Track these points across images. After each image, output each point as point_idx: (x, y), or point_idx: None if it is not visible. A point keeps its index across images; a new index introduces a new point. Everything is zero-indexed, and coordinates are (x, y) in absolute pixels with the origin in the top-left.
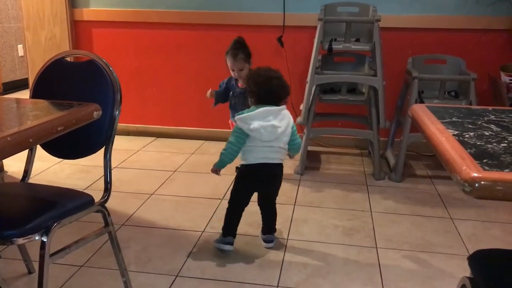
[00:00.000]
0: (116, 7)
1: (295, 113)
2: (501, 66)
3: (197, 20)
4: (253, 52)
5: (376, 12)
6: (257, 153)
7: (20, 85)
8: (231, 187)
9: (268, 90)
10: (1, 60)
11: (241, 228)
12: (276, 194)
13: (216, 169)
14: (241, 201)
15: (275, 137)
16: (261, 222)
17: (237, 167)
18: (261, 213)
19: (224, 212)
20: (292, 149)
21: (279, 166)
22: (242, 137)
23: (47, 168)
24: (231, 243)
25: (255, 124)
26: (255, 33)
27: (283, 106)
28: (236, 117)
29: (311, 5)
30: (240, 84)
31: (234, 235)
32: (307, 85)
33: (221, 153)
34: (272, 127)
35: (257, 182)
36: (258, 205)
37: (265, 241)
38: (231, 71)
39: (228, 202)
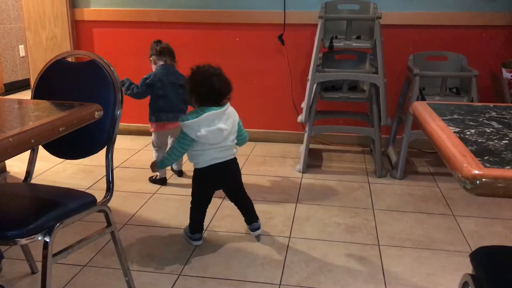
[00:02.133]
0: (116, 6)
1: (296, 112)
2: (502, 63)
3: (197, 19)
4: (254, 51)
5: (376, 9)
6: (206, 155)
7: (21, 85)
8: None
9: (209, 89)
10: (3, 61)
11: (242, 226)
12: (242, 186)
13: (157, 169)
14: (202, 201)
15: (222, 139)
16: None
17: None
18: (237, 207)
19: (226, 211)
20: (240, 142)
21: (232, 161)
22: (187, 142)
23: (49, 168)
24: (200, 239)
25: (202, 131)
26: (255, 31)
27: (227, 105)
28: (182, 124)
29: (312, 3)
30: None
31: (201, 231)
32: (308, 83)
33: (165, 156)
34: (218, 130)
35: (213, 182)
36: (230, 200)
37: (252, 230)
38: None
39: (191, 202)
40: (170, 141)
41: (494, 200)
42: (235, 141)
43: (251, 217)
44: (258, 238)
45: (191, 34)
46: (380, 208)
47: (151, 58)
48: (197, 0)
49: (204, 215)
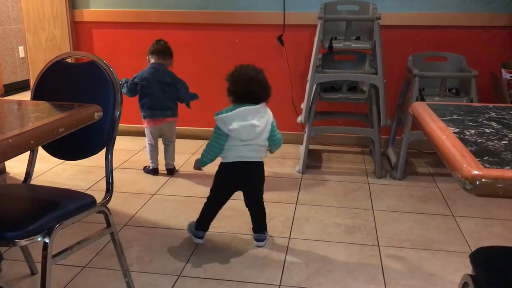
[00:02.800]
0: (116, 7)
1: (296, 112)
2: (502, 63)
3: (197, 20)
4: (254, 51)
5: (376, 10)
6: (235, 151)
7: (21, 86)
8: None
9: (247, 92)
10: (2, 62)
11: (243, 227)
12: (261, 192)
13: (198, 167)
14: (220, 199)
15: (254, 136)
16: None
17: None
18: (249, 212)
19: (226, 212)
20: (272, 145)
21: (258, 164)
22: (222, 137)
23: (49, 169)
24: (202, 237)
25: (234, 125)
26: (255, 32)
27: (263, 104)
28: (216, 117)
29: (311, 4)
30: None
31: (205, 229)
32: (308, 84)
33: (202, 153)
34: (251, 126)
35: (234, 180)
36: (245, 204)
37: (256, 240)
38: None
39: (207, 198)
40: (161, 140)
41: (494, 200)
42: (267, 142)
43: (260, 227)
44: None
45: (190, 35)
46: (380, 209)
47: (147, 57)
48: (196, 1)
49: (215, 215)
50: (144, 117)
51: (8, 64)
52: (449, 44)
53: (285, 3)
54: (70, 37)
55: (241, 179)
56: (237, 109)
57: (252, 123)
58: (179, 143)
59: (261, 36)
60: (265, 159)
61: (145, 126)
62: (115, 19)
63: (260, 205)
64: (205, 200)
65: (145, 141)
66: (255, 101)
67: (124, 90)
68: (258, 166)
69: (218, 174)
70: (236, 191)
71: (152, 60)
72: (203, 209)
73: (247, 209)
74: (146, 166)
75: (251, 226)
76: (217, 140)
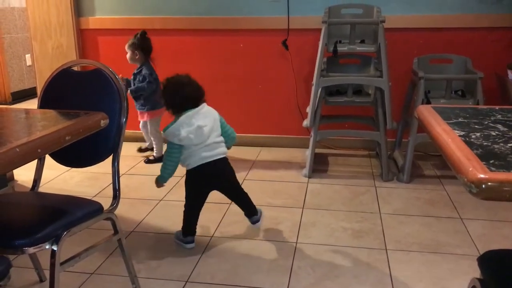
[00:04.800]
0: (121, 14)
1: (301, 116)
2: (508, 64)
3: (201, 26)
4: (259, 56)
5: (380, 13)
6: (195, 156)
7: (28, 94)
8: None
9: (182, 98)
10: (10, 70)
11: (249, 232)
12: (237, 183)
13: (160, 184)
14: (196, 203)
15: (205, 137)
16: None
17: None
18: (235, 202)
19: (232, 217)
20: (227, 139)
21: (222, 160)
22: (175, 150)
23: (56, 176)
24: (192, 241)
25: (183, 133)
26: (259, 37)
27: (203, 105)
28: (164, 134)
29: (315, 8)
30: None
31: (193, 233)
32: (313, 88)
33: (161, 169)
34: (198, 128)
35: (206, 182)
36: (228, 197)
37: (252, 222)
38: None
39: (185, 206)
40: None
41: (502, 203)
42: (222, 138)
43: (250, 210)
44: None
45: (195, 41)
46: (387, 212)
47: (137, 51)
48: (200, 7)
49: (197, 218)
50: (156, 107)
51: (16, 72)
52: (455, 46)
53: (289, 7)
54: (76, 45)
55: (211, 179)
56: (180, 117)
57: (198, 124)
58: None
59: (265, 40)
60: (271, 163)
61: (155, 116)
62: (120, 26)
63: (242, 193)
64: (212, 205)
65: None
66: (194, 105)
67: (144, 88)
68: (223, 162)
69: (188, 181)
70: (210, 191)
71: (148, 58)
72: (185, 216)
73: None
74: (147, 158)
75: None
76: (172, 154)
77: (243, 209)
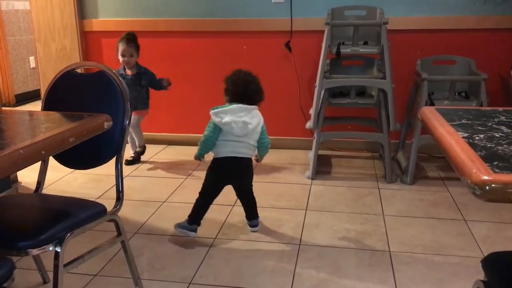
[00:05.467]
0: (124, 17)
1: (304, 118)
2: (511, 66)
3: (204, 28)
4: (262, 58)
5: (383, 14)
6: (227, 147)
7: (32, 96)
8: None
9: (244, 92)
10: (14, 72)
11: (252, 235)
12: (251, 185)
13: (198, 158)
14: (212, 193)
15: (246, 133)
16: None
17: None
18: (241, 203)
19: (235, 218)
20: (261, 147)
21: (248, 160)
22: (215, 130)
23: (60, 178)
24: (195, 230)
25: (227, 118)
26: (262, 39)
27: (255, 106)
28: (211, 112)
29: (318, 10)
30: (128, 72)
31: (199, 223)
32: (316, 89)
33: (198, 146)
34: (243, 123)
35: (227, 175)
36: (237, 196)
37: (251, 226)
38: (121, 58)
39: (199, 193)
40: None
41: (506, 204)
42: (256, 144)
43: (252, 214)
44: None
45: (198, 42)
46: (391, 214)
47: (135, 54)
48: (204, 9)
49: (207, 209)
50: (147, 107)
51: (20, 75)
52: (458, 47)
53: (292, 9)
54: (80, 47)
55: (234, 174)
56: (231, 106)
57: (245, 120)
58: (189, 150)
59: (268, 42)
60: (274, 165)
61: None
62: (124, 28)
63: (251, 196)
64: (215, 206)
65: (152, 148)
66: (250, 102)
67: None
68: (249, 163)
69: (212, 168)
70: (227, 185)
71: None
72: (196, 204)
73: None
74: (127, 159)
75: (245, 215)
76: (211, 133)
77: (246, 211)
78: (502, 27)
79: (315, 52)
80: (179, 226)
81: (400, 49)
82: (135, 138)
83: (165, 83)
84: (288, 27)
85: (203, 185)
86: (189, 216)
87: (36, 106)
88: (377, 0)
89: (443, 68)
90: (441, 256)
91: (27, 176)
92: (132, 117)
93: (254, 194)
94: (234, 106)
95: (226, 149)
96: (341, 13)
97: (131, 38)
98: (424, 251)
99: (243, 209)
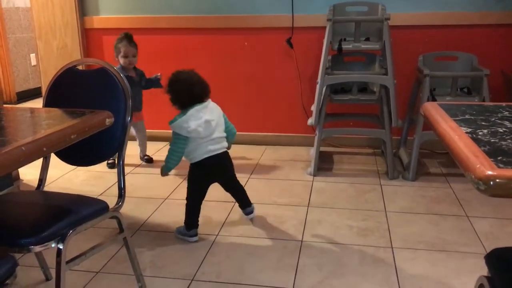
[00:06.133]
0: (125, 14)
1: (306, 115)
2: None
3: (206, 25)
4: (263, 54)
5: (385, 10)
6: (201, 149)
7: (33, 93)
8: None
9: (190, 95)
10: (15, 70)
11: (254, 231)
12: (234, 175)
13: (165, 173)
14: (200, 195)
15: (212, 130)
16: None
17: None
18: (231, 195)
19: (237, 215)
20: (229, 135)
21: (225, 153)
22: (181, 141)
23: (62, 175)
24: (196, 234)
25: (192, 125)
26: (264, 35)
27: (208, 101)
28: (172, 125)
29: (320, 6)
30: (132, 73)
31: (197, 226)
32: (318, 86)
33: (166, 159)
34: (206, 122)
35: (211, 175)
36: (226, 190)
37: (246, 213)
38: (122, 59)
39: (187, 199)
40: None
41: (509, 200)
42: (224, 134)
43: (245, 202)
44: (252, 221)
45: (200, 39)
46: (393, 210)
47: (137, 54)
48: (205, 5)
49: (200, 210)
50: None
51: (21, 72)
52: (460, 43)
53: (294, 6)
54: (81, 44)
55: (215, 172)
56: (189, 111)
57: (206, 118)
58: None
59: (270, 39)
60: (276, 162)
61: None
62: (125, 26)
63: (238, 185)
64: (217, 203)
65: (154, 145)
66: (200, 100)
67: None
68: (225, 156)
69: (192, 174)
70: (212, 183)
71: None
72: (188, 210)
73: (257, 213)
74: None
75: (239, 204)
76: (178, 145)
77: (238, 201)
78: (505, 22)
79: (316, 48)
80: (178, 232)
81: (402, 45)
82: (142, 144)
83: (158, 82)
84: (289, 23)
85: (189, 191)
86: (185, 223)
87: (37, 104)
88: None
89: (445, 64)
90: (444, 253)
91: (29, 174)
92: (141, 122)
93: (256, 191)
94: (191, 111)
95: (201, 152)
96: (343, 9)
97: (131, 38)
98: (426, 248)
99: None
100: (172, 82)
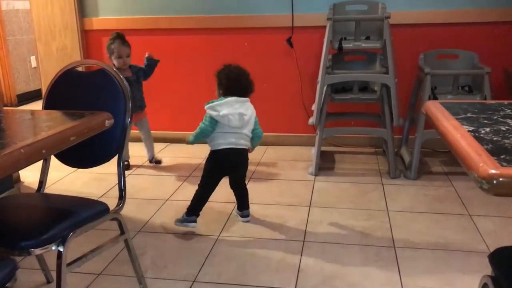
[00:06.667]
0: (125, 15)
1: (307, 114)
2: None
3: (206, 25)
4: (263, 54)
5: (385, 9)
6: (226, 139)
7: (34, 96)
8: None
9: (236, 85)
10: (15, 72)
11: (256, 232)
12: (245, 176)
13: (188, 142)
14: (212, 184)
15: (242, 124)
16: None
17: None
18: (234, 193)
19: (238, 217)
20: (254, 137)
21: (245, 151)
22: (211, 123)
23: (63, 177)
24: (195, 221)
25: (224, 111)
26: (264, 35)
27: (247, 98)
28: (206, 106)
29: (320, 5)
30: (128, 73)
31: (198, 214)
32: (318, 85)
33: (193, 133)
34: (239, 114)
35: (227, 166)
36: (231, 187)
37: (242, 216)
38: (116, 60)
39: (199, 185)
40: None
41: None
42: (251, 134)
43: (244, 205)
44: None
45: (200, 39)
46: (395, 210)
47: (130, 53)
48: (205, 6)
49: (206, 201)
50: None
51: (21, 74)
52: (461, 41)
53: (294, 5)
54: (81, 46)
55: (232, 164)
56: (226, 99)
57: (240, 111)
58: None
59: (270, 38)
60: (278, 161)
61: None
62: (125, 27)
63: (244, 187)
64: (218, 204)
65: (154, 146)
66: (242, 95)
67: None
68: (246, 153)
69: (211, 160)
70: (225, 175)
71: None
72: (196, 195)
73: (258, 213)
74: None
75: (237, 205)
76: (208, 126)
77: (238, 201)
78: (505, 20)
79: (317, 47)
80: (178, 221)
81: (403, 43)
82: (148, 143)
83: (152, 59)
84: (289, 23)
85: (203, 176)
86: (188, 208)
87: (37, 106)
88: None
89: (446, 62)
90: (447, 252)
91: (30, 176)
92: (145, 120)
93: (257, 191)
94: (229, 99)
95: (225, 141)
96: (343, 8)
97: (124, 38)
98: (429, 247)
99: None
100: (223, 69)
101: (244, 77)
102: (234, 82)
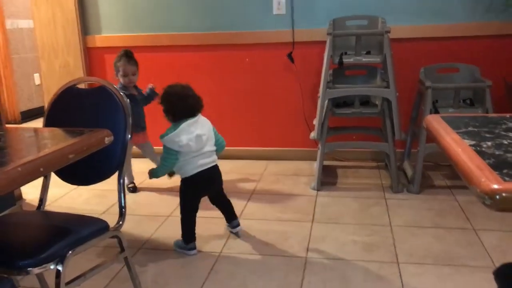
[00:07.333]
0: (127, 32)
1: (308, 129)
2: None
3: (207, 41)
4: (264, 70)
5: (385, 23)
6: (192, 164)
7: (37, 113)
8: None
9: (184, 107)
10: (19, 90)
11: (256, 247)
12: (222, 189)
13: (152, 177)
14: (193, 209)
15: (203, 145)
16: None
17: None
18: (218, 208)
19: (242, 231)
20: (218, 148)
21: (216, 166)
22: (172, 156)
23: (65, 194)
24: (195, 247)
25: (183, 140)
26: (265, 51)
27: (199, 115)
28: (163, 140)
29: (320, 20)
30: (134, 92)
31: (194, 239)
32: (319, 100)
33: (157, 169)
34: (197, 137)
35: (203, 188)
36: (212, 203)
37: (232, 227)
38: (122, 78)
39: (181, 212)
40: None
41: None
42: (215, 147)
43: (231, 216)
44: (238, 234)
45: (202, 56)
46: (398, 224)
47: (137, 71)
48: (206, 23)
49: (195, 223)
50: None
51: (25, 92)
52: (461, 54)
53: (294, 21)
54: (83, 63)
55: (208, 185)
56: (180, 125)
57: (197, 133)
58: None
59: (271, 54)
60: (279, 177)
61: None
62: (127, 44)
63: (225, 199)
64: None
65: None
66: (192, 114)
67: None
68: (216, 169)
69: (186, 188)
70: (204, 196)
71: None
72: (184, 223)
73: (260, 229)
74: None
75: (227, 220)
76: (169, 158)
77: (224, 214)
78: (505, 33)
79: (317, 62)
80: (177, 245)
81: (403, 57)
82: (154, 160)
83: (154, 92)
84: (290, 38)
85: (182, 205)
86: (182, 237)
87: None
88: (379, 9)
89: (447, 76)
90: (451, 267)
91: (31, 193)
92: (148, 143)
93: (259, 206)
94: (183, 125)
95: (194, 165)
96: (343, 23)
97: (131, 56)
98: (433, 262)
99: (244, 222)
100: (166, 93)
101: (190, 96)
102: (180, 105)
